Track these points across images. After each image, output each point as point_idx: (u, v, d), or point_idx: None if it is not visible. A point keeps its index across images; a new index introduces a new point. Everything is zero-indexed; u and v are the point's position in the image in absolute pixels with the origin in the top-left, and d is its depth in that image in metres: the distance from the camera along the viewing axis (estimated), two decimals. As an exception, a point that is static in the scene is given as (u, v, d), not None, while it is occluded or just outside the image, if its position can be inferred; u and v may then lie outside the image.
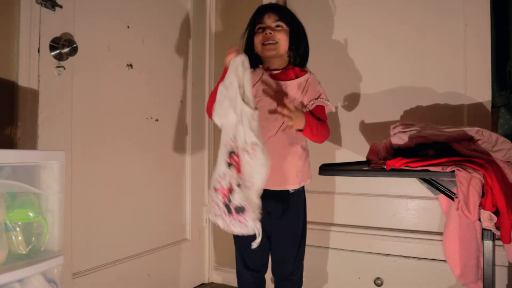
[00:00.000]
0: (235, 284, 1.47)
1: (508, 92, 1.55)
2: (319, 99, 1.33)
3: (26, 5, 1.23)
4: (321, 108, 1.33)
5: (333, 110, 1.37)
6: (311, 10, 1.93)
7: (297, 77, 1.35)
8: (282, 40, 1.33)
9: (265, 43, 1.33)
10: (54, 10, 1.30)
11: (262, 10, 1.37)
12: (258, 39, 1.34)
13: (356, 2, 1.82)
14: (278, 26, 1.34)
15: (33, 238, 1.00)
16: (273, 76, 1.35)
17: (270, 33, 1.32)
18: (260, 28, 1.35)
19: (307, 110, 1.33)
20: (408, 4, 1.71)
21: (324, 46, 1.87)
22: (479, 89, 1.57)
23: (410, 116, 1.68)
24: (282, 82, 1.33)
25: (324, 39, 1.88)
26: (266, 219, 1.34)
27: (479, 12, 1.57)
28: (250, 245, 1.34)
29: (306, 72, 1.38)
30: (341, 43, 1.85)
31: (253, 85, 1.31)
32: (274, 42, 1.32)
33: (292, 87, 1.33)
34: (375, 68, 1.77)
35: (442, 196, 1.45)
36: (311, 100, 1.33)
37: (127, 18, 1.63)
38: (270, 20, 1.34)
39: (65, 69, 1.34)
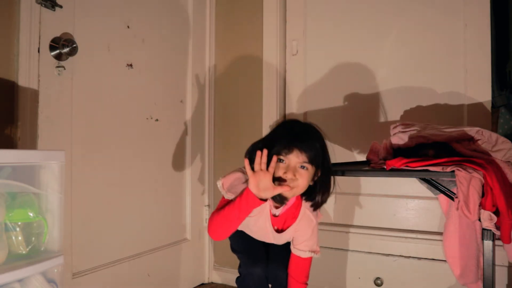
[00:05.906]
0: (235, 284, 1.46)
1: (508, 92, 1.55)
2: (308, 252, 1.26)
3: (26, 5, 1.23)
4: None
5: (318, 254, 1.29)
6: (310, 9, 1.93)
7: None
8: (301, 184, 1.14)
9: (282, 180, 1.14)
10: (54, 10, 1.30)
11: (292, 141, 1.13)
12: (275, 169, 1.12)
13: (356, 2, 1.82)
14: (303, 167, 1.13)
15: (33, 238, 1.00)
16: (274, 219, 1.25)
17: (291, 178, 1.12)
18: (282, 159, 1.13)
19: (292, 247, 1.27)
20: (408, 4, 1.71)
21: (323, 46, 1.87)
22: (479, 89, 1.57)
23: (410, 116, 1.68)
24: (279, 231, 1.27)
25: (323, 38, 1.88)
26: None
27: (479, 12, 1.57)
28: (248, 239, 1.33)
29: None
30: (341, 43, 1.85)
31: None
32: (292, 186, 1.13)
33: (288, 234, 1.27)
34: (375, 68, 1.77)
35: (442, 196, 1.45)
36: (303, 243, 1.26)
37: (127, 18, 1.63)
38: (297, 160, 1.12)
39: (65, 69, 1.34)
